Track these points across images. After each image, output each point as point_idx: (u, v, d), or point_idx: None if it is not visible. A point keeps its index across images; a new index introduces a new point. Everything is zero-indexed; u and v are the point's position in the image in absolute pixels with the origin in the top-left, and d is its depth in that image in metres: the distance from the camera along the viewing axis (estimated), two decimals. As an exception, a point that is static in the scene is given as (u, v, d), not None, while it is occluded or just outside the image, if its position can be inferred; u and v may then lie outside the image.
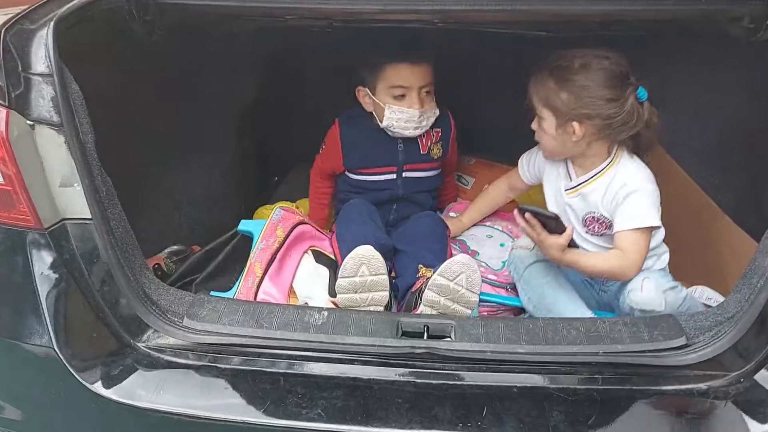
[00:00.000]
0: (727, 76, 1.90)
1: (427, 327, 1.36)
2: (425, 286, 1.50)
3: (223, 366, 1.34)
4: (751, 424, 1.23)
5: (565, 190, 1.74)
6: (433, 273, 1.50)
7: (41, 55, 1.35)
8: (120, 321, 1.37)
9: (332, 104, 2.13)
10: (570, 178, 1.74)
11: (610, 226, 1.66)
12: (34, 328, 1.33)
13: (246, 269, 1.65)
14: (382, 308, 1.55)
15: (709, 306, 1.72)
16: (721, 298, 1.75)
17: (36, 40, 1.37)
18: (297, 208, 2.11)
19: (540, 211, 1.60)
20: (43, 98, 1.34)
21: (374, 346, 1.33)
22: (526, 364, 1.31)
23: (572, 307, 1.61)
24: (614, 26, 1.69)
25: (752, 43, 1.53)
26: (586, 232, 1.72)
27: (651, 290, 1.56)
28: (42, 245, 1.35)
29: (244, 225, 1.83)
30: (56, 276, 1.35)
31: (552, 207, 1.78)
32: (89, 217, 1.36)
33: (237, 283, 1.65)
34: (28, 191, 1.32)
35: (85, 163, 1.35)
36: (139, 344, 1.37)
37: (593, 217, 1.69)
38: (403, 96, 1.88)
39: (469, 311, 1.50)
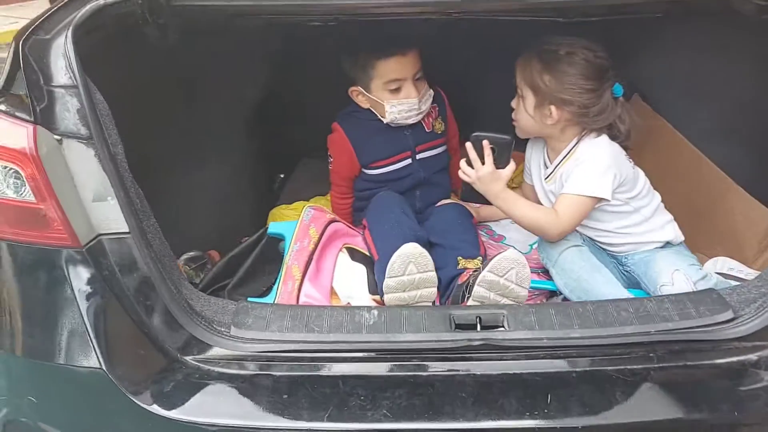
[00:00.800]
0: (737, 53, 1.93)
1: (480, 318, 1.36)
2: (473, 281, 1.50)
3: (278, 374, 1.31)
4: (804, 389, 1.27)
5: (545, 178, 1.83)
6: (483, 269, 1.49)
7: (62, 66, 1.30)
8: (164, 335, 1.33)
9: (331, 98, 2.11)
10: (546, 166, 1.83)
11: None
12: (80, 349, 1.28)
13: (283, 273, 1.62)
14: (429, 304, 1.55)
15: (733, 276, 1.77)
16: (743, 267, 1.81)
17: (54, 51, 1.31)
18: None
19: (495, 136, 1.62)
20: (69, 111, 1.29)
21: (431, 341, 1.32)
22: (582, 348, 1.32)
23: (611, 288, 1.63)
24: (630, 8, 1.70)
25: (764, 21, 1.55)
26: None
27: (682, 282, 1.62)
28: (80, 263, 1.30)
29: (275, 227, 1.80)
30: (98, 294, 1.30)
31: (538, 191, 1.87)
32: (126, 231, 1.31)
33: (275, 287, 1.61)
34: (63, 208, 1.26)
35: (118, 176, 1.30)
36: (188, 358, 1.33)
37: None
38: (399, 89, 1.88)
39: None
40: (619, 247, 1.80)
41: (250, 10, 1.60)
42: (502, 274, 1.49)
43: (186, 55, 1.72)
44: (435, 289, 1.55)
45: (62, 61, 1.29)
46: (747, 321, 1.33)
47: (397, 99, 1.89)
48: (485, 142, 1.62)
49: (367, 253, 1.73)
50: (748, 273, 1.77)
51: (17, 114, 1.26)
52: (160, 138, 1.78)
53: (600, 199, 1.68)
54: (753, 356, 1.31)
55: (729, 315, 1.34)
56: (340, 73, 2.01)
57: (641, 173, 1.79)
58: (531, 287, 1.76)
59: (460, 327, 1.35)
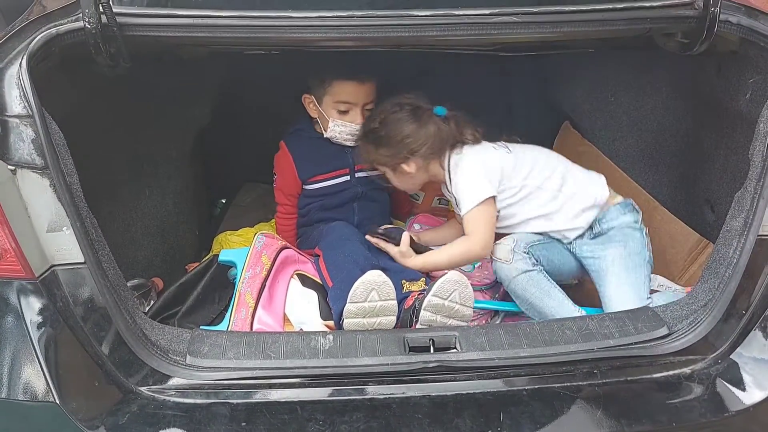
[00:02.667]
0: (658, 84, 2.08)
1: (433, 340, 1.41)
2: (420, 305, 1.55)
3: (235, 401, 1.32)
4: (733, 398, 1.37)
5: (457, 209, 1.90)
6: (427, 293, 1.55)
7: (15, 95, 1.29)
8: (119, 366, 1.32)
9: (273, 123, 2.17)
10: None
11: None
12: (33, 383, 1.25)
13: (236, 300, 1.62)
14: None
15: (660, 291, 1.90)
16: (671, 284, 1.93)
17: (7, 81, 1.30)
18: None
19: (381, 231, 1.89)
20: (23, 141, 1.28)
21: (387, 364, 1.36)
22: (530, 366, 1.38)
23: (562, 310, 1.71)
24: (569, 45, 1.82)
25: (686, 56, 1.69)
26: None
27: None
28: (33, 294, 1.28)
29: (226, 255, 1.80)
30: (51, 326, 1.29)
31: None
32: (81, 261, 1.30)
33: (227, 315, 1.62)
34: (16, 239, 1.25)
35: (74, 206, 1.30)
36: (143, 389, 1.32)
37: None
38: (347, 111, 1.96)
39: (465, 324, 1.56)
40: (559, 233, 1.84)
41: (202, 41, 1.62)
42: (446, 296, 1.55)
43: (132, 82, 1.72)
44: (394, 318, 1.59)
45: (16, 91, 1.28)
46: (680, 336, 1.43)
47: (342, 120, 1.98)
48: (376, 240, 1.86)
49: (318, 280, 1.76)
50: (676, 289, 1.89)
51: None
52: (105, 165, 1.76)
53: (489, 199, 1.77)
54: (687, 370, 1.41)
55: (664, 331, 1.44)
56: (282, 100, 2.09)
57: (532, 155, 1.87)
58: (475, 307, 1.84)
59: (414, 350, 1.39)
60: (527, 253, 1.76)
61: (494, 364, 1.37)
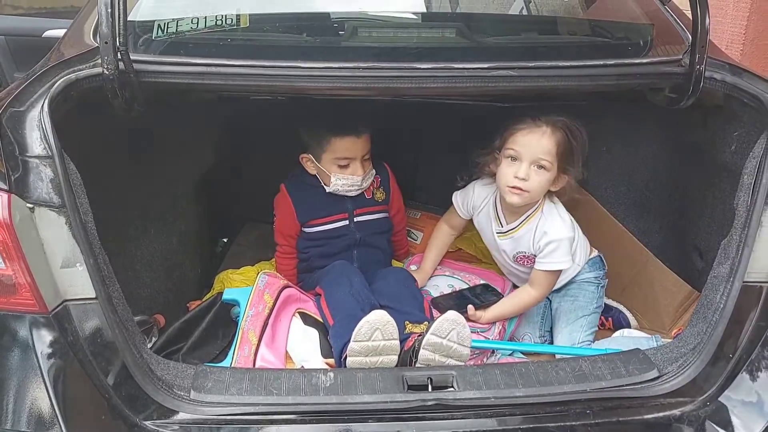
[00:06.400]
0: (649, 136, 2.17)
1: (431, 379, 1.45)
2: (419, 345, 1.59)
3: None
4: (722, 440, 1.41)
5: (497, 233, 2.00)
6: (426, 332, 1.59)
7: (36, 137, 1.35)
8: (126, 400, 1.36)
9: (278, 164, 2.24)
10: (501, 224, 1.99)
11: (534, 259, 1.96)
12: (40, 414, 1.29)
13: (239, 338, 1.66)
14: None
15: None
16: (639, 333, 2.00)
17: (29, 123, 1.37)
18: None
19: (441, 300, 1.98)
20: (42, 180, 1.34)
21: (386, 402, 1.39)
22: (525, 406, 1.42)
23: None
24: (563, 97, 1.91)
25: (674, 110, 1.78)
26: (514, 264, 2.03)
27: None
28: (45, 328, 1.32)
29: (230, 293, 1.85)
30: (61, 359, 1.33)
31: (487, 242, 2.09)
32: (93, 296, 1.35)
33: (230, 352, 1.65)
34: (33, 275, 1.29)
35: (88, 243, 1.35)
36: (147, 423, 1.35)
37: (524, 255, 1.98)
38: (347, 165, 2.03)
39: (463, 363, 1.60)
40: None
41: (213, 88, 1.70)
42: (445, 336, 1.59)
43: (143, 125, 1.79)
44: (396, 357, 1.62)
45: (37, 132, 1.35)
46: (670, 379, 1.48)
47: (343, 174, 2.04)
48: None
49: (320, 318, 1.80)
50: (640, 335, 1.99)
51: (-6, 183, 1.30)
52: (114, 204, 1.82)
53: None
54: (677, 411, 1.45)
55: (654, 373, 1.48)
56: (285, 142, 2.15)
57: None
58: (472, 346, 1.88)
59: (413, 388, 1.43)
60: None
61: (490, 403, 1.41)
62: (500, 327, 1.97)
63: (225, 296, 1.84)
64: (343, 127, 2.01)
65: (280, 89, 1.75)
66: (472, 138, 2.00)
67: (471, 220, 2.12)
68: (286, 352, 1.67)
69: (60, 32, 2.23)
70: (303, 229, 2.14)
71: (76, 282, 1.35)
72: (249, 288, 1.80)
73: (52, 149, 1.33)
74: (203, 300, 1.99)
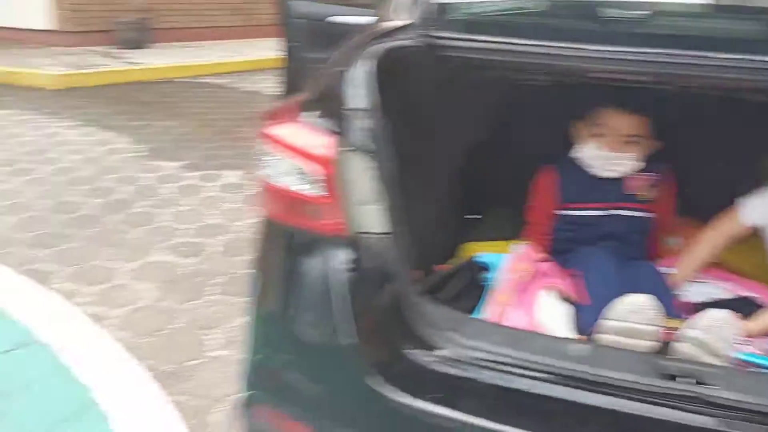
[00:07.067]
0: None
1: (693, 372, 1.41)
2: (679, 338, 1.57)
3: (486, 381, 1.45)
4: None
5: None
6: (692, 326, 1.56)
7: (361, 93, 1.58)
8: (398, 327, 1.54)
9: (536, 154, 2.29)
10: None
11: None
12: (338, 326, 1.51)
13: (489, 299, 1.77)
14: None
15: None
16: None
17: (358, 80, 1.59)
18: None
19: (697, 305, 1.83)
20: (362, 129, 1.56)
21: (644, 384, 1.39)
22: None
23: None
24: None
25: None
26: None
27: None
28: (344, 249, 1.54)
29: (482, 257, 1.98)
30: (350, 278, 1.54)
31: None
32: (383, 232, 1.54)
33: (478, 310, 1.77)
34: (342, 205, 1.53)
35: (387, 186, 1.55)
36: (415, 351, 1.52)
37: None
38: (602, 135, 2.05)
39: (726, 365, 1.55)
40: None
41: (509, 66, 1.81)
42: (709, 332, 1.54)
43: (438, 97, 1.97)
44: (652, 343, 1.60)
45: (363, 89, 1.57)
46: None
47: (597, 144, 2.08)
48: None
49: (572, 296, 1.85)
50: None
51: (325, 127, 1.56)
52: (403, 161, 2.03)
53: None
54: None
55: None
56: (551, 129, 2.20)
57: None
58: (742, 359, 1.74)
59: (672, 377, 1.41)
60: None
61: (759, 409, 1.34)
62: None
63: (479, 259, 1.97)
64: (606, 98, 2.03)
65: (566, 70, 1.80)
66: (743, 142, 1.89)
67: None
68: (535, 321, 1.75)
69: (339, 18, 2.58)
70: (558, 211, 2.19)
71: (373, 218, 1.55)
72: (502, 255, 1.91)
73: (373, 104, 1.55)
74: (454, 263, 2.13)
